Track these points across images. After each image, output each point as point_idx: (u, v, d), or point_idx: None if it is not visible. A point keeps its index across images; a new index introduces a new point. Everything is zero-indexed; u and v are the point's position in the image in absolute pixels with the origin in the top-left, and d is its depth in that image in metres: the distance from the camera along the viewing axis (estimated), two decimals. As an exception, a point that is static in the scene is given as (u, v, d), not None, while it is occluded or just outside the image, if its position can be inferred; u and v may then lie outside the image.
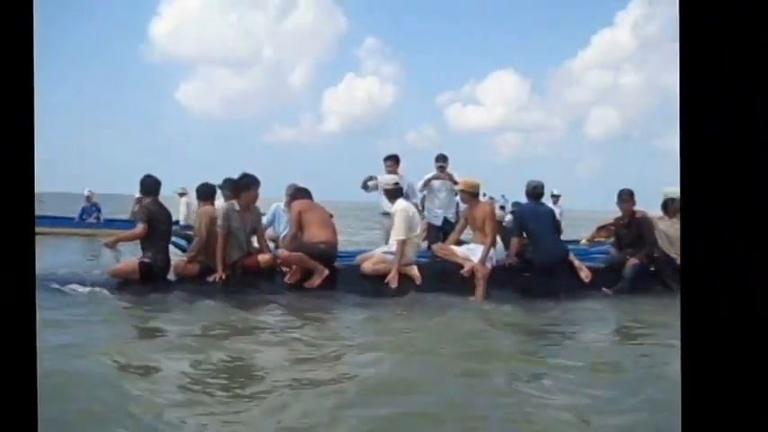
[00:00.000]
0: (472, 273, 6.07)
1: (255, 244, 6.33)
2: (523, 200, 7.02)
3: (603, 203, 10.00)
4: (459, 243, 6.69)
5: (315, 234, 6.11)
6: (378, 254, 6.39)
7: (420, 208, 7.76)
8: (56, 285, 5.69)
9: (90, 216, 15.05)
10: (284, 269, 6.21)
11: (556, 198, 12.55)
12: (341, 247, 6.62)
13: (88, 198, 15.33)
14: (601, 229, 8.10)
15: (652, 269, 6.71)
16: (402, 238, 6.13)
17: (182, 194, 12.68)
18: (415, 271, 6.17)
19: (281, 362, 3.83)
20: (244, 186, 6.16)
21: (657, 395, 3.14)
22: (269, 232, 7.26)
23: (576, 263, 6.55)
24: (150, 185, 6.23)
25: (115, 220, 14.78)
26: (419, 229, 6.53)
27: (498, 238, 6.51)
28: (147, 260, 5.92)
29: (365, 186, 8.17)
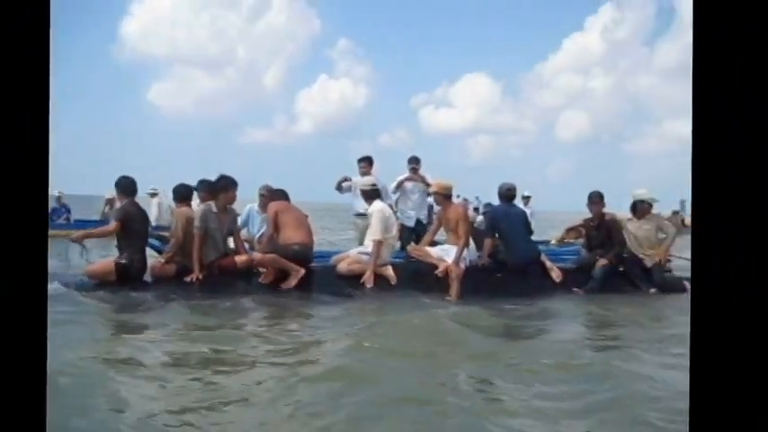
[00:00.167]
0: (446, 273, 6.18)
1: (232, 245, 6.36)
2: (496, 201, 7.16)
3: (574, 205, 10.23)
4: (434, 244, 6.81)
5: (290, 236, 6.16)
6: (353, 254, 6.47)
7: (394, 209, 7.85)
8: None
9: (60, 217, 14.75)
10: (260, 270, 6.25)
11: (527, 200, 12.78)
12: (317, 248, 6.66)
13: (58, 199, 15.07)
14: (570, 230, 8.26)
15: (621, 269, 6.90)
16: (379, 238, 6.22)
17: (153, 195, 12.57)
18: (390, 271, 6.26)
19: (255, 358, 3.90)
20: (222, 188, 6.19)
21: (621, 391, 3.24)
22: (242, 233, 7.28)
23: (548, 263, 6.72)
24: (127, 186, 6.20)
25: (85, 221, 14.54)
26: (395, 230, 6.62)
27: (471, 239, 6.63)
28: (123, 261, 5.91)
29: (339, 187, 8.23)
